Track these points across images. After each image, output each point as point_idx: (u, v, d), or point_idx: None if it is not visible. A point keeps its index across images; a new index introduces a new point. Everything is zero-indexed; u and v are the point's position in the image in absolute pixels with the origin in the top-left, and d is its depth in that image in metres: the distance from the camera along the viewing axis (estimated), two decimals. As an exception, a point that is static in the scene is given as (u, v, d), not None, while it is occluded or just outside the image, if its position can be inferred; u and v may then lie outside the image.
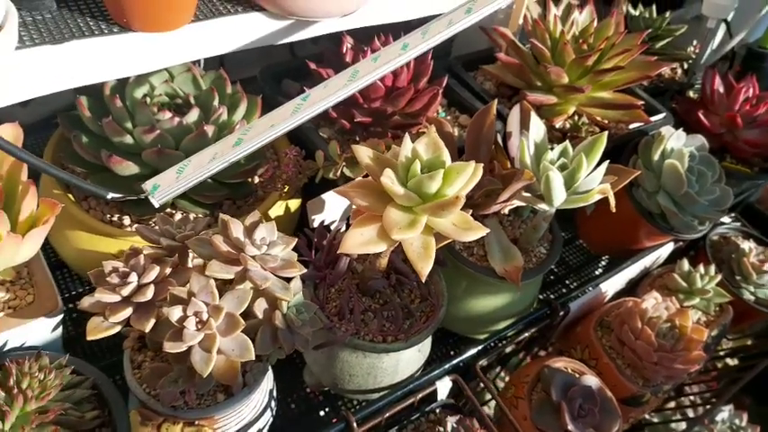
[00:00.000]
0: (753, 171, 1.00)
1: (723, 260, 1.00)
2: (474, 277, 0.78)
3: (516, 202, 0.72)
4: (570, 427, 0.72)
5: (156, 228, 0.59)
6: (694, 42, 1.13)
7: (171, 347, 0.50)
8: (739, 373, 1.23)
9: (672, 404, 1.35)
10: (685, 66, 1.17)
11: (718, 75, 1.01)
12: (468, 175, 0.57)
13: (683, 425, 1.36)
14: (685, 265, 0.93)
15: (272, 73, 0.91)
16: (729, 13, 1.00)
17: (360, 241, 0.57)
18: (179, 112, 0.74)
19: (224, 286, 0.59)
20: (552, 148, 0.73)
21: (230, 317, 0.52)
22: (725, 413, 1.49)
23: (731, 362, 1.42)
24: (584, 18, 0.94)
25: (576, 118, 0.91)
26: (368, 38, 0.85)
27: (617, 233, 0.94)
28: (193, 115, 0.72)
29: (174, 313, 0.51)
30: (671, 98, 1.06)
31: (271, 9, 0.72)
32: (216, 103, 0.75)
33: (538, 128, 0.74)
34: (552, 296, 0.93)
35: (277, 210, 0.78)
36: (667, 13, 1.09)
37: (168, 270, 0.55)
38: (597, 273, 1.10)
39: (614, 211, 0.70)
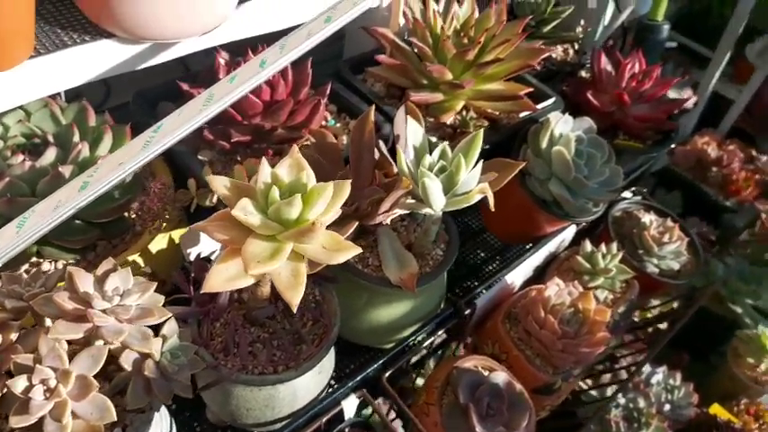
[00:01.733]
0: (646, 145, 1.01)
1: (626, 235, 1.01)
2: (372, 288, 0.76)
3: (398, 211, 0.71)
4: (478, 428, 0.71)
5: (2, 288, 0.54)
6: (582, 22, 1.14)
7: (17, 422, 0.46)
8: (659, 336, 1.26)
9: (608, 377, 1.38)
10: (576, 46, 1.18)
11: (603, 54, 1.01)
12: (329, 197, 0.54)
13: (619, 395, 1.39)
14: (587, 246, 0.94)
15: (147, 97, 0.86)
16: None
17: (224, 277, 0.54)
18: (36, 153, 0.68)
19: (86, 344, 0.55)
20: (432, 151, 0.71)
21: (82, 380, 0.48)
22: (659, 375, 1.53)
23: (662, 327, 1.46)
24: (464, 11, 0.93)
25: (465, 113, 0.90)
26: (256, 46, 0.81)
27: (518, 222, 0.94)
28: (49, 156, 0.67)
29: (19, 384, 0.47)
30: (562, 80, 1.07)
31: (121, 35, 0.68)
32: (76, 138, 0.70)
33: (415, 132, 0.72)
34: (462, 292, 0.92)
35: (159, 243, 0.74)
36: (552, -5, 1.10)
37: (14, 335, 0.51)
38: (509, 263, 1.10)
39: (493, 209, 0.69)
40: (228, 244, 0.54)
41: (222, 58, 0.82)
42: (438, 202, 0.67)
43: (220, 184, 0.55)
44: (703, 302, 1.72)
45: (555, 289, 0.83)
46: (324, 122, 0.89)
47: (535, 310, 0.81)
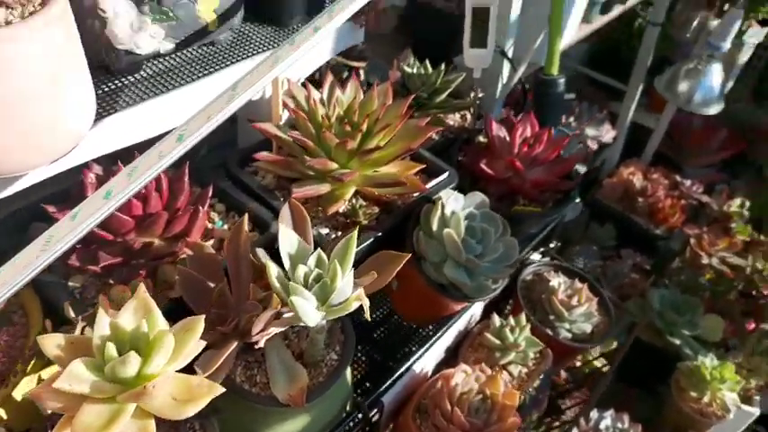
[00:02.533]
0: (546, 208, 1.01)
1: (537, 301, 1.00)
2: (264, 409, 0.72)
3: (274, 330, 0.67)
4: None
5: None
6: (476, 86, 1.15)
7: None
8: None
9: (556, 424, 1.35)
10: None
11: (493, 120, 1.02)
12: (171, 348, 0.51)
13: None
14: (496, 321, 0.92)
15: (15, 221, 0.81)
16: (488, 61, 1.01)
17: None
18: None
19: None
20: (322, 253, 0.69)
21: None
22: (607, 419, 1.52)
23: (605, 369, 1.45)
24: (348, 95, 0.92)
25: (355, 201, 0.88)
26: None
27: (422, 305, 0.91)
28: None
29: None
30: (460, 149, 1.06)
31: (-42, 175, 0.64)
32: None
33: (290, 239, 0.70)
34: (372, 387, 0.89)
35: (26, 387, 0.69)
36: (442, 66, 1.09)
37: None
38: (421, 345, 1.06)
39: (369, 318, 0.66)
40: (65, 412, 0.50)
41: (92, 175, 0.78)
42: (312, 318, 0.64)
43: (52, 345, 0.51)
44: (643, 337, 1.74)
45: (462, 376, 0.81)
46: (210, 225, 0.86)
47: (442, 402, 0.79)
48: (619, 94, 2.11)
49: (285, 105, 0.88)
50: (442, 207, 0.86)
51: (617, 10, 1.63)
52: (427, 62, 1.08)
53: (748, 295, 1.81)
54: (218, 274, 0.75)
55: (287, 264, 0.68)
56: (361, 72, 1.20)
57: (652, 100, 2.18)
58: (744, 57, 1.85)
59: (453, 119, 1.13)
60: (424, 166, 0.93)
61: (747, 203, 1.99)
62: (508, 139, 1.01)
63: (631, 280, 1.93)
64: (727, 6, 1.75)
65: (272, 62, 0.69)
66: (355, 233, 0.68)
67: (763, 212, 2.13)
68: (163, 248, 0.78)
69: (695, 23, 1.87)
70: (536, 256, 1.06)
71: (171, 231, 0.78)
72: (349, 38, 0.99)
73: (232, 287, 0.73)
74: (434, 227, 0.84)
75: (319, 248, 0.68)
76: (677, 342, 1.65)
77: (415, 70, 1.06)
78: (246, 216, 0.73)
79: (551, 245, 1.19)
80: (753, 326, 1.75)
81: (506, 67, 1.24)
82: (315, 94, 0.89)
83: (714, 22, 1.79)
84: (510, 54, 1.22)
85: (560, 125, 1.69)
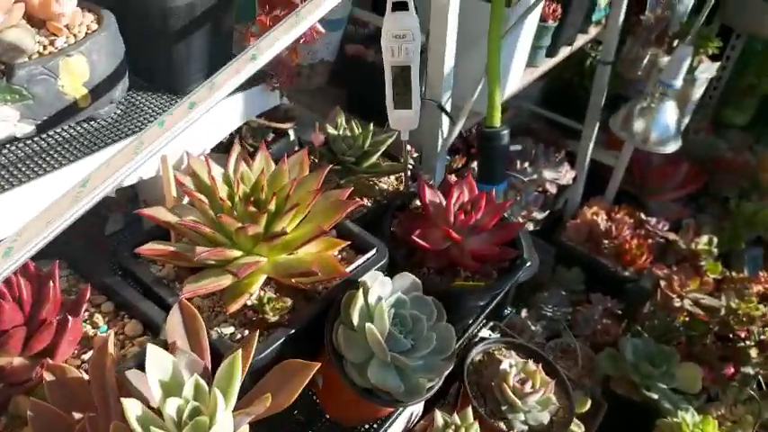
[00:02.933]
0: (491, 280, 0.88)
1: (488, 387, 0.86)
2: None
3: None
4: None
5: None
6: (409, 147, 1.03)
7: None
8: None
9: None
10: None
11: (427, 186, 0.90)
12: None
13: None
14: (439, 420, 0.78)
15: None
16: (414, 123, 0.89)
17: None
18: None
19: None
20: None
21: None
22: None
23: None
24: (256, 169, 0.79)
25: (263, 292, 0.74)
26: None
27: (350, 408, 0.78)
28: None
29: None
30: (392, 217, 0.94)
31: None
32: None
33: (161, 364, 0.56)
34: None
35: None
36: (371, 126, 0.98)
37: None
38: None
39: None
40: None
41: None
42: (179, 472, 0.50)
43: None
44: (619, 391, 1.61)
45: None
46: (93, 331, 0.72)
47: None
48: (576, 132, 2.02)
49: (181, 184, 0.75)
50: (365, 294, 0.73)
51: (564, 52, 1.54)
52: (354, 123, 0.97)
53: (725, 338, 1.69)
54: (88, 401, 0.61)
55: (156, 395, 0.55)
56: (291, 132, 1.09)
57: (610, 137, 2.09)
58: (698, 92, 1.78)
59: (388, 182, 1.02)
60: (347, 243, 0.80)
61: (715, 240, 1.90)
62: (444, 204, 0.89)
63: (603, 326, 1.81)
64: (676, 43, 1.67)
65: (133, 149, 0.56)
66: (239, 355, 0.55)
67: (731, 244, 2.04)
68: (21, 371, 0.64)
69: (645, 61, 1.79)
70: (486, 332, 0.93)
71: (33, 349, 0.64)
72: (261, 101, 0.88)
73: (100, 420, 0.59)
74: (356, 319, 0.71)
75: (196, 375, 0.55)
76: (655, 396, 1.52)
77: (340, 132, 0.95)
78: (112, 333, 0.60)
79: (507, 310, 1.06)
80: (732, 371, 1.63)
81: (446, 120, 1.13)
82: (216, 170, 0.77)
83: (664, 59, 1.72)
84: (449, 106, 1.12)
85: (513, 173, 1.59)
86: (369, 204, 0.96)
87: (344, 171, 0.93)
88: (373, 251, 0.82)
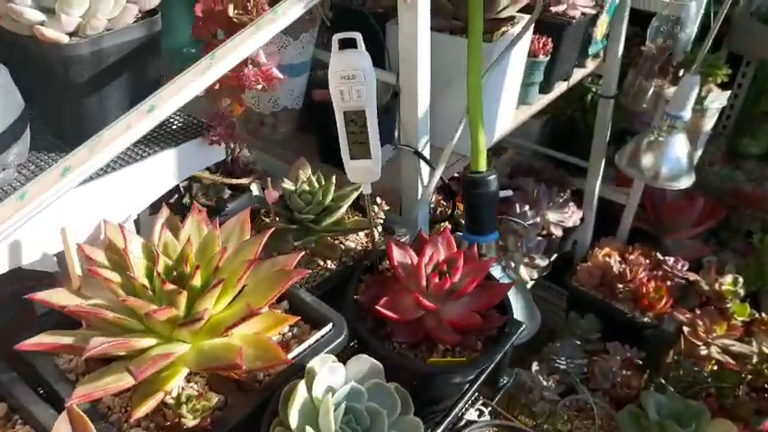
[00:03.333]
0: (473, 355, 0.73)
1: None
2: None
3: None
4: None
5: None
6: (379, 200, 0.89)
7: None
8: None
9: None
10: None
11: (395, 244, 0.76)
12: None
13: None
14: None
15: None
16: (375, 174, 0.76)
17: None
18: None
19: None
20: None
21: None
22: None
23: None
24: (183, 235, 0.66)
25: (184, 388, 0.61)
26: None
27: None
28: None
29: None
30: (358, 281, 0.80)
31: None
32: None
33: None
34: None
35: None
36: (333, 178, 0.85)
37: None
38: None
39: None
40: None
41: None
42: None
43: None
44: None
45: None
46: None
47: None
48: (582, 170, 1.87)
49: (89, 260, 0.62)
50: (309, 386, 0.58)
51: (560, 88, 1.41)
52: (319, 174, 0.84)
53: (760, 389, 1.49)
54: None
55: None
56: (254, 188, 0.96)
57: (619, 174, 1.94)
58: (709, 123, 1.63)
59: (357, 240, 0.88)
60: (296, 319, 0.66)
61: (740, 279, 1.71)
62: (415, 265, 0.75)
63: (623, 379, 1.62)
64: (681, 72, 1.53)
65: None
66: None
67: (758, 283, 1.84)
68: None
69: (650, 93, 1.66)
70: (474, 413, 0.78)
71: None
72: (201, 156, 0.76)
73: None
74: (294, 420, 0.56)
75: None
76: (684, 462, 1.33)
77: (297, 186, 0.82)
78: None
79: (503, 379, 0.90)
80: (770, 427, 1.43)
81: (425, 170, 1.00)
82: (135, 241, 0.64)
83: (670, 90, 1.58)
84: (427, 151, 0.99)
85: (512, 218, 1.44)
86: (333, 267, 0.82)
87: (302, 231, 0.80)
88: (328, 327, 0.68)
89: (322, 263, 0.82)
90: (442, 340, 0.71)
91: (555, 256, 1.67)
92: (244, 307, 0.59)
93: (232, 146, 0.91)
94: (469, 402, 0.78)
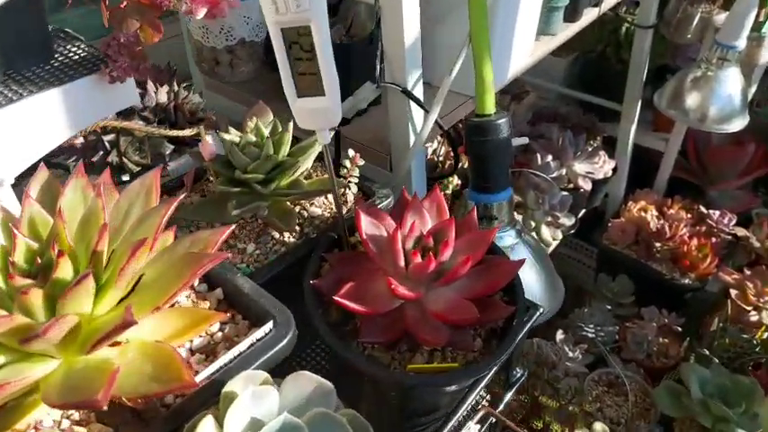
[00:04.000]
0: (470, 356, 0.53)
1: None
2: None
3: None
4: None
5: None
6: (352, 153, 0.67)
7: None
8: None
9: None
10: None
11: (362, 212, 0.55)
12: None
13: None
14: None
15: None
16: (333, 118, 0.53)
17: None
18: None
19: None
20: None
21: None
22: None
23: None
24: (65, 204, 0.47)
25: (58, 419, 0.43)
26: None
27: None
28: None
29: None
30: (320, 260, 0.60)
31: None
32: None
33: None
34: None
35: None
36: (290, 125, 0.63)
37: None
38: None
39: None
40: None
41: None
42: None
43: None
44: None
45: None
46: None
47: None
48: (615, 114, 1.62)
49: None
50: (221, 423, 0.40)
51: (589, 15, 1.16)
52: (261, 124, 0.63)
53: (820, 361, 1.27)
54: None
55: None
56: (210, 140, 0.76)
57: (657, 117, 1.68)
58: (766, 54, 1.35)
59: (325, 205, 0.68)
60: (221, 317, 0.47)
61: (797, 234, 1.46)
62: (389, 240, 0.54)
63: (660, 348, 1.41)
64: (735, -7, 1.25)
65: None
66: None
67: (817, 237, 1.59)
68: None
69: (696, 21, 1.38)
70: (474, 427, 0.59)
71: None
72: (103, 101, 0.56)
73: None
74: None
75: None
76: (733, 448, 1.13)
77: (241, 139, 0.61)
78: None
79: (517, 372, 0.71)
80: (833, 405, 1.20)
81: (418, 110, 0.78)
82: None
83: (720, 17, 1.31)
84: (420, 90, 0.77)
85: (532, 171, 1.22)
86: (291, 241, 0.62)
87: (248, 194, 0.60)
88: (266, 328, 0.48)
89: (278, 235, 0.62)
90: (425, 340, 0.51)
91: (583, 212, 1.44)
92: (120, 312, 0.40)
93: (157, 86, 0.70)
94: (468, 411, 0.59)
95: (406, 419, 0.56)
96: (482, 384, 0.55)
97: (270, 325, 0.49)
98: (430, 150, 1.26)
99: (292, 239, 0.62)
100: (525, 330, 0.57)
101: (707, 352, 1.34)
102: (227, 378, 0.44)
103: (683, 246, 1.47)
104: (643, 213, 1.55)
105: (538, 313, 0.60)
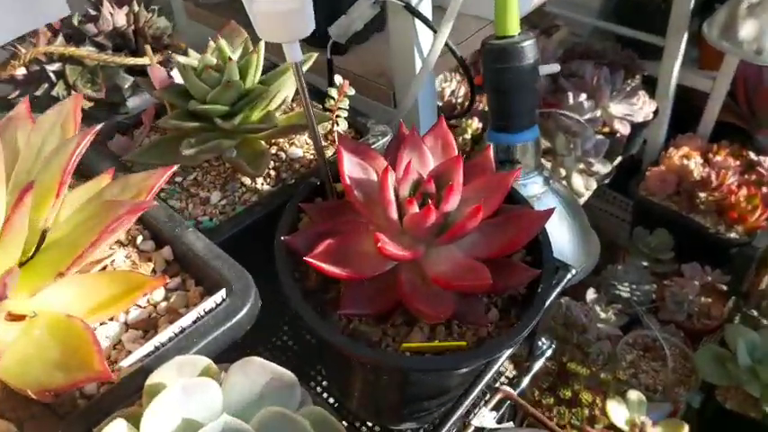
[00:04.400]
0: (478, 332, 0.42)
1: None
2: None
3: None
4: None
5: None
6: (340, 80, 0.54)
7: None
8: None
9: None
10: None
11: (345, 149, 0.43)
12: None
13: None
14: None
15: None
16: (304, 27, 0.40)
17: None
18: None
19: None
20: None
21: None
22: None
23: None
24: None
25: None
26: None
27: None
28: None
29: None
30: (297, 212, 0.49)
31: None
32: None
33: None
34: None
35: None
36: (261, 44, 0.50)
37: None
38: None
39: None
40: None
41: None
42: None
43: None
44: (728, 405, 1.10)
45: None
46: None
47: None
48: (657, 50, 1.44)
49: None
50: (136, 426, 0.29)
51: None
52: (225, 45, 0.50)
53: None
54: None
55: None
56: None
57: (704, 53, 1.49)
58: (841, -30, 1.15)
59: (308, 145, 0.55)
60: (158, 282, 0.37)
61: None
62: (379, 185, 0.42)
63: (702, 308, 1.28)
64: None
65: None
66: None
67: None
68: None
69: (758, -69, 1.18)
70: (488, 414, 0.47)
71: None
72: (19, 14, 0.44)
73: None
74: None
75: None
76: (785, 417, 1.01)
77: (200, 63, 0.49)
78: None
79: (542, 343, 0.59)
80: None
81: (424, 29, 0.64)
82: None
83: (787, -75, 1.11)
84: (428, 7, 0.63)
85: (562, 111, 1.07)
86: (266, 188, 0.51)
87: (208, 131, 0.48)
88: (219, 296, 0.38)
89: (249, 182, 0.51)
90: (423, 312, 0.40)
91: (619, 159, 1.29)
92: (72, 249, 0.30)
93: (114, 7, 0.58)
94: (481, 395, 0.48)
95: (405, 404, 0.46)
96: (498, 364, 0.43)
97: (222, 293, 0.38)
98: (448, 91, 1.12)
99: (267, 187, 0.50)
100: (552, 297, 0.45)
101: (755, 313, 1.21)
102: (163, 363, 0.33)
103: (731, 196, 1.31)
104: (686, 161, 1.40)
105: (569, 276, 0.48)
